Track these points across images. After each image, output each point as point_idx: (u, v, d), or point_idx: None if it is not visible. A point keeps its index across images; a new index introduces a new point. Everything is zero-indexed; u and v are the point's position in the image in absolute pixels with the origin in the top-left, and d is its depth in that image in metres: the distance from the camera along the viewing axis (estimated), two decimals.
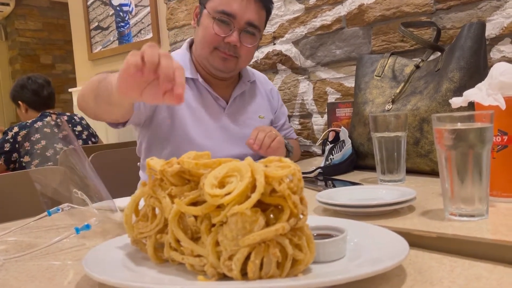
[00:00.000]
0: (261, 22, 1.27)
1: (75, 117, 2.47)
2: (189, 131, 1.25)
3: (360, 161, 1.22)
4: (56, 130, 2.28)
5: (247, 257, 0.43)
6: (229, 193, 0.44)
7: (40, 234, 0.73)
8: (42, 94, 2.45)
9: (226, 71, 1.28)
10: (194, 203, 0.48)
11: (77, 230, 0.62)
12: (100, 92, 0.94)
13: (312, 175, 1.11)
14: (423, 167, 1.07)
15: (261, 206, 0.45)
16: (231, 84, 1.37)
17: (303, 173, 1.12)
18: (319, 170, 1.13)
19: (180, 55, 1.33)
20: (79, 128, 2.45)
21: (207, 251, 0.45)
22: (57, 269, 0.55)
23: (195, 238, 0.49)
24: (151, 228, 0.51)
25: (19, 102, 2.47)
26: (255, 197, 0.43)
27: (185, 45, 1.36)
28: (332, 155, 1.18)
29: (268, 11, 1.30)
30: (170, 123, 1.24)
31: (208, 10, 1.23)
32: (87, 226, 0.63)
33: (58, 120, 2.31)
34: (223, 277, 0.45)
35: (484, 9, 1.29)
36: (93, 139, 2.50)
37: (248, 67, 1.45)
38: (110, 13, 2.75)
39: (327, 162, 1.18)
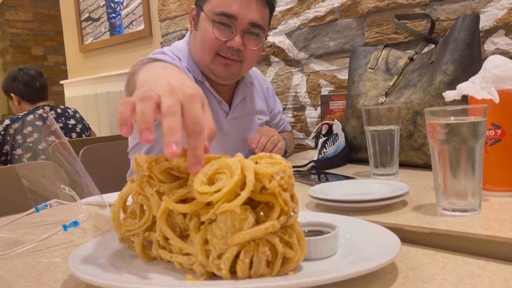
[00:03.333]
0: (264, 21, 1.17)
1: (68, 110, 2.45)
2: None
3: (353, 154, 1.22)
4: (48, 123, 2.25)
5: (237, 256, 0.42)
6: (218, 191, 0.43)
7: (28, 231, 0.72)
8: (34, 85, 2.42)
9: (230, 77, 1.21)
10: (183, 200, 0.47)
11: (65, 227, 0.61)
12: (130, 89, 0.80)
13: (305, 168, 1.11)
14: (416, 160, 1.06)
15: (251, 203, 0.44)
16: (232, 86, 1.30)
17: (296, 166, 1.11)
18: (312, 163, 1.12)
19: (183, 51, 1.23)
20: (72, 121, 2.42)
21: (196, 249, 0.44)
22: (44, 268, 0.54)
23: (184, 235, 0.48)
24: (139, 225, 0.50)
25: (12, 94, 2.44)
26: (244, 195, 0.42)
27: (186, 39, 1.26)
28: (325, 149, 1.17)
29: (272, 8, 1.21)
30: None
31: (206, 13, 1.14)
32: (75, 223, 0.62)
33: (45, 114, 2.28)
34: (212, 276, 0.44)
35: (478, 0, 1.28)
36: (86, 133, 2.48)
37: None
38: (101, 4, 2.71)
39: (320, 156, 1.17)
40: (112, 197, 0.78)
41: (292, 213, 0.45)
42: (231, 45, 1.13)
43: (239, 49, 1.14)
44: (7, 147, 2.23)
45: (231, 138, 1.28)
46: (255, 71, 1.46)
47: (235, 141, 1.29)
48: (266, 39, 1.23)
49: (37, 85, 2.43)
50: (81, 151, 1.56)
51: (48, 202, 0.71)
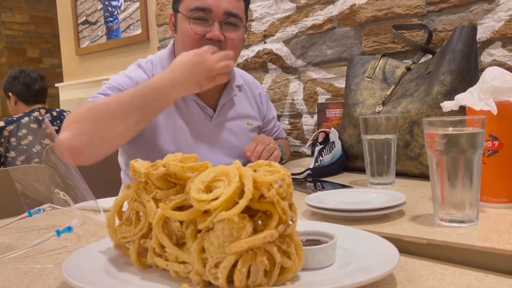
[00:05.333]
0: (240, 10, 1.18)
1: (64, 113, 2.43)
2: (172, 151, 1.17)
3: (350, 163, 1.22)
4: (44, 125, 2.24)
5: (234, 265, 0.42)
6: (216, 198, 0.42)
7: (21, 236, 0.71)
8: (33, 87, 2.42)
9: None
10: (180, 208, 0.47)
11: (58, 233, 0.60)
12: (140, 101, 1.00)
13: (301, 176, 1.10)
14: (412, 170, 1.06)
15: (249, 211, 0.44)
16: (218, 90, 1.28)
17: (292, 174, 1.11)
18: (308, 171, 1.12)
19: (164, 59, 1.23)
20: None
21: (193, 258, 0.43)
22: (36, 274, 0.53)
23: (180, 243, 0.47)
24: (134, 232, 0.49)
25: (9, 93, 2.44)
26: (243, 203, 0.41)
27: (170, 47, 1.27)
28: (322, 157, 1.17)
29: (246, 0, 1.22)
30: (152, 143, 1.18)
31: (181, 12, 1.16)
32: (69, 229, 0.61)
33: (40, 117, 2.27)
34: (209, 285, 0.44)
35: (476, 12, 1.29)
36: None
37: (236, 69, 1.37)
38: (99, 8, 2.70)
39: (316, 164, 1.17)
40: (106, 202, 0.77)
41: (290, 222, 0.44)
42: (210, 36, 1.13)
43: (220, 40, 1.14)
44: (1, 149, 2.21)
45: (218, 144, 1.26)
46: (246, 76, 1.43)
47: (223, 146, 1.26)
48: (246, 31, 1.24)
49: (36, 88, 2.43)
50: None
51: (41, 206, 0.70)
